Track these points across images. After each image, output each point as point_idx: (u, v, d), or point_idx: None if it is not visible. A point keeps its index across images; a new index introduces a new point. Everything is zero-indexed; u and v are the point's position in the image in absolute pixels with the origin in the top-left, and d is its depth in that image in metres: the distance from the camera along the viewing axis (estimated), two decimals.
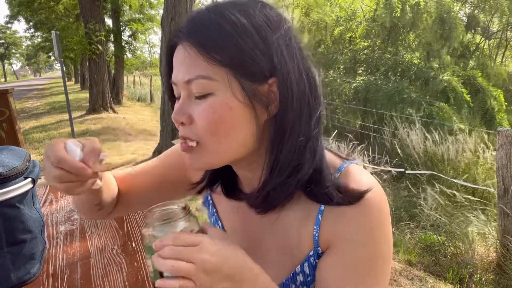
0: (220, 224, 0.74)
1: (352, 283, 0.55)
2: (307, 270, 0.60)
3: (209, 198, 0.77)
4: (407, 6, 8.14)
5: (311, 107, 0.55)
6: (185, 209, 0.54)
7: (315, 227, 0.58)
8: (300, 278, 0.61)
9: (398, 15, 7.79)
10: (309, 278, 0.60)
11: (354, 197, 0.54)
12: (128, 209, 0.83)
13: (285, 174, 0.54)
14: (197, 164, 0.57)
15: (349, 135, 5.13)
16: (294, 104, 0.53)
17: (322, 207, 0.58)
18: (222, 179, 0.67)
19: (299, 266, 0.61)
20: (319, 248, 0.59)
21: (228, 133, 0.53)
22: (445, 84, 7.09)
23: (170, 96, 0.63)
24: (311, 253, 0.60)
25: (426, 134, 5.08)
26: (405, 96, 6.89)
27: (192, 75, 0.52)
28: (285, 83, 0.52)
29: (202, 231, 0.53)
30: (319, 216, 0.58)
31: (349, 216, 0.55)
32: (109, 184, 0.73)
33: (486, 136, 4.79)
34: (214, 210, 0.76)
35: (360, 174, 0.58)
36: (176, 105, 0.57)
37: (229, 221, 0.73)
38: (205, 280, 0.46)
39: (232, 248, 0.51)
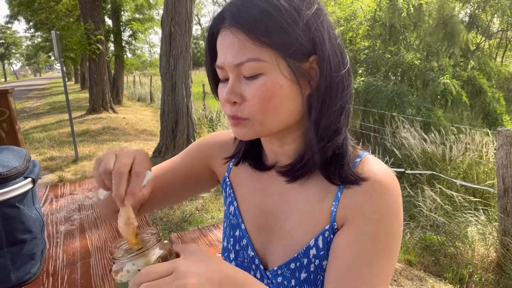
0: (236, 205, 0.77)
1: (367, 258, 0.57)
2: (320, 244, 0.63)
3: (227, 180, 0.80)
4: (411, 7, 8.14)
5: (345, 79, 0.60)
6: (155, 235, 0.54)
7: (333, 203, 0.62)
8: (313, 251, 0.63)
9: (405, 15, 7.78)
10: (321, 252, 0.62)
11: (365, 179, 0.59)
12: (153, 207, 0.85)
13: (326, 139, 0.60)
14: (247, 135, 0.62)
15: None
16: (332, 78, 0.58)
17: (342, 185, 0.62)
18: (251, 155, 0.73)
19: (313, 240, 0.63)
20: (335, 223, 0.62)
21: (277, 108, 0.58)
22: (443, 87, 7.09)
23: (212, 80, 0.67)
24: (326, 227, 0.62)
25: (430, 133, 5.07)
26: (405, 99, 6.89)
27: (242, 59, 0.56)
28: (324, 60, 0.57)
29: (175, 253, 0.53)
30: (339, 193, 0.62)
31: (367, 195, 0.59)
32: None
33: (483, 138, 4.78)
34: (231, 191, 0.79)
35: (377, 162, 0.64)
36: (224, 88, 0.60)
37: (246, 202, 0.76)
38: None
39: (210, 260, 0.49)
